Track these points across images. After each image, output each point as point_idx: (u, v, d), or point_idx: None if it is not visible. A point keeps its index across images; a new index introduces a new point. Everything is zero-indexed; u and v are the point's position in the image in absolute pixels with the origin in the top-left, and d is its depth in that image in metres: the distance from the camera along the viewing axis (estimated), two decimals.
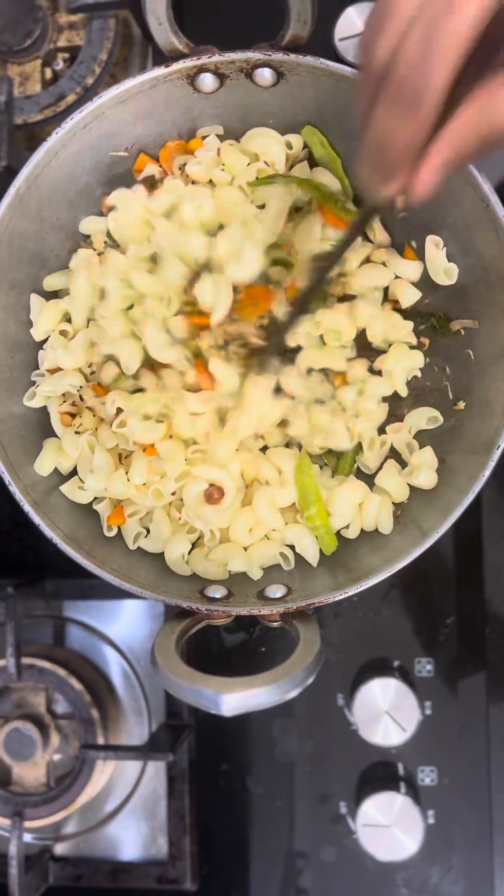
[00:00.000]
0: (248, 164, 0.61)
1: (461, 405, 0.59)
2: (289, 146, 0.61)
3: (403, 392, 0.61)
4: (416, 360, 0.60)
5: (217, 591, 0.58)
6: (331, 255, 0.54)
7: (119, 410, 0.58)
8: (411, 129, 0.39)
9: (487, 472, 0.54)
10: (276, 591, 0.58)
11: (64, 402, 0.61)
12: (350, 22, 0.72)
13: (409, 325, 0.61)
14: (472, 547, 0.72)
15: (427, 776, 0.72)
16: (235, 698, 0.47)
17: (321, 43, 0.72)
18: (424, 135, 0.39)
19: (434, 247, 0.59)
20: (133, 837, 0.75)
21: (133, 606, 0.75)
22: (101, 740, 0.71)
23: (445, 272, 0.59)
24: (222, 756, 0.74)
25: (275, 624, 0.56)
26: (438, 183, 0.41)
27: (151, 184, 0.62)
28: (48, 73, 0.75)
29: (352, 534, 0.60)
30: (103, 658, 0.75)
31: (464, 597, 0.72)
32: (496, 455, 0.54)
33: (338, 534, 0.60)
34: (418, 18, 0.36)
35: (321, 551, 0.60)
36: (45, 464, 0.60)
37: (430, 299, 0.61)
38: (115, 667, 0.75)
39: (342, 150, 0.61)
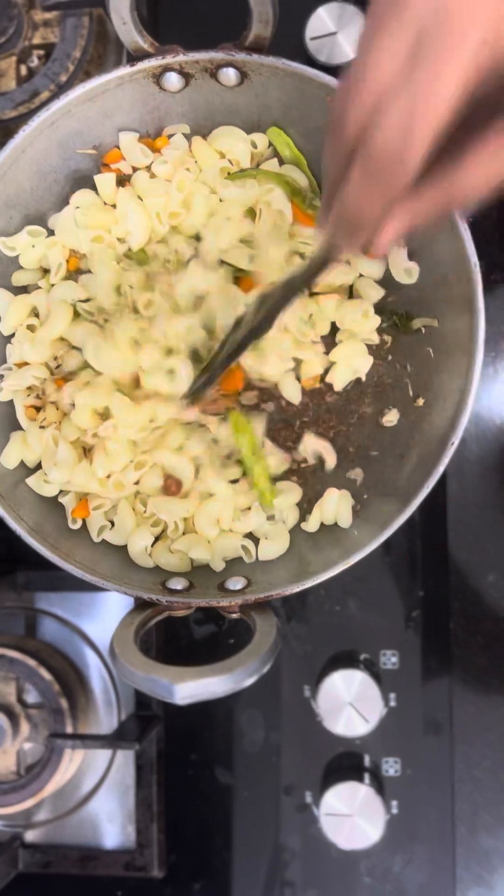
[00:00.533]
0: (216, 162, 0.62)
1: (420, 402, 0.60)
2: (254, 145, 0.62)
3: (338, 387, 0.62)
4: (363, 363, 0.61)
5: (178, 583, 0.59)
6: (284, 293, 0.52)
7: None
8: (383, 202, 0.39)
9: (443, 467, 0.55)
10: (236, 583, 0.59)
11: (29, 395, 0.62)
12: (321, 22, 0.72)
13: (376, 321, 0.62)
14: (438, 541, 0.73)
15: (391, 767, 0.73)
16: (188, 687, 0.48)
17: (292, 43, 0.72)
18: (394, 206, 0.40)
19: (395, 247, 0.60)
20: (103, 824, 0.76)
21: (105, 599, 0.76)
22: (70, 730, 0.72)
23: (406, 271, 0.60)
24: (191, 746, 0.75)
25: (234, 615, 0.57)
26: (396, 243, 0.41)
27: (120, 180, 0.63)
28: (23, 70, 0.76)
29: (311, 528, 0.61)
30: (74, 649, 0.76)
31: (429, 591, 0.73)
32: (451, 450, 0.55)
33: (297, 528, 0.61)
34: (396, 95, 0.36)
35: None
36: (10, 457, 0.61)
37: (392, 298, 0.62)
38: (85, 658, 0.76)
39: (307, 149, 0.62)
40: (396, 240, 0.42)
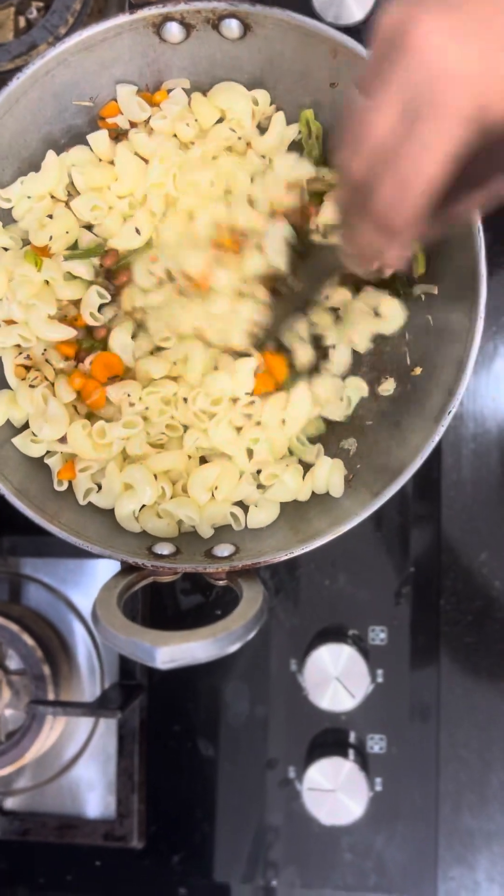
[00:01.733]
0: (218, 121, 0.61)
1: (418, 370, 0.59)
2: (255, 102, 0.60)
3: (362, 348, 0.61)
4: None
5: (165, 549, 0.58)
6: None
7: None
8: (385, 245, 0.44)
9: (438, 436, 0.54)
10: (223, 549, 0.58)
11: (19, 354, 0.60)
12: None
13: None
14: (430, 517, 0.72)
15: (376, 744, 0.72)
16: (171, 651, 0.47)
17: (298, 2, 0.70)
18: (397, 246, 0.44)
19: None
20: (83, 794, 0.75)
21: (92, 566, 0.75)
22: (52, 697, 0.71)
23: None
24: (174, 717, 0.74)
25: (220, 582, 0.56)
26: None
27: (116, 135, 0.61)
28: (21, 22, 0.74)
29: (303, 497, 0.59)
30: (59, 616, 0.75)
31: (420, 567, 0.72)
32: (448, 419, 0.54)
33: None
34: (391, 160, 0.39)
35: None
36: None
37: None
38: (70, 626, 0.75)
39: (310, 105, 0.60)
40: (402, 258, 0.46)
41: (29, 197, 0.59)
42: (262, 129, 0.62)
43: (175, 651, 0.47)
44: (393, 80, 0.38)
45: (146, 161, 0.60)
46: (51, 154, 0.60)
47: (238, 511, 0.60)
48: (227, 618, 0.49)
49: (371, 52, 0.39)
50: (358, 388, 0.61)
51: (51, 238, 0.58)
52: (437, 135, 0.37)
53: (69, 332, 0.58)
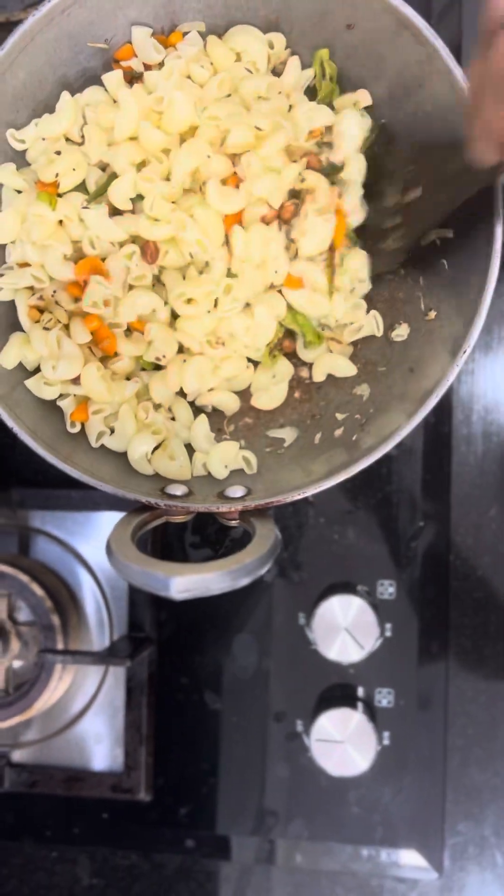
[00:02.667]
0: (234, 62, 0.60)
1: (432, 315, 0.59)
2: (270, 46, 0.60)
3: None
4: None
5: (178, 490, 0.58)
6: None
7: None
8: None
9: (453, 376, 0.53)
10: (236, 491, 0.57)
11: (32, 295, 0.60)
12: None
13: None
14: (440, 472, 0.72)
15: (384, 698, 0.72)
16: (185, 581, 0.47)
17: None
18: None
19: None
20: (91, 747, 0.75)
21: (100, 518, 0.75)
22: (60, 647, 0.72)
23: None
24: (181, 670, 0.75)
25: (233, 523, 0.56)
26: None
27: (131, 78, 0.61)
28: None
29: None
30: (69, 569, 0.75)
31: (429, 521, 0.72)
32: (462, 359, 0.53)
33: (300, 439, 0.60)
34: None
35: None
36: (9, 357, 0.59)
37: None
38: (79, 577, 0.75)
39: (328, 45, 0.60)
40: None
41: (44, 139, 0.59)
42: (277, 73, 0.61)
43: (189, 581, 0.47)
44: None
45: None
46: (65, 95, 0.59)
47: (250, 455, 0.60)
48: (241, 552, 0.49)
49: None
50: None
51: (57, 175, 0.58)
52: None
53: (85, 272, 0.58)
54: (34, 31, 0.57)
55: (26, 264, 0.60)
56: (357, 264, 0.60)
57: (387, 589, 0.72)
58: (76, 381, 0.59)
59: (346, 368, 0.62)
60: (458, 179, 0.52)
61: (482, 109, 0.44)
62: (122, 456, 0.60)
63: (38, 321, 0.60)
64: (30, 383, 0.60)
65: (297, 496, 0.55)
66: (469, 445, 0.72)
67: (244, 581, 0.48)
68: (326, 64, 0.59)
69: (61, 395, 0.60)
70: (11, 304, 0.61)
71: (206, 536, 0.75)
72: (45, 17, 0.57)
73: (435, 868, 0.71)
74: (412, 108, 0.58)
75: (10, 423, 0.56)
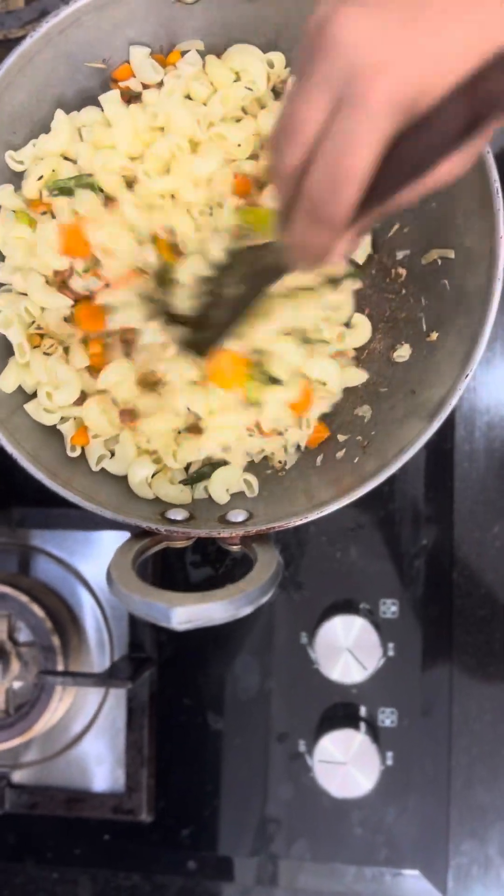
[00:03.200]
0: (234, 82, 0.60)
1: (434, 336, 0.58)
2: (270, 65, 0.60)
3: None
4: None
5: (178, 514, 0.57)
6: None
7: None
8: (325, 239, 0.41)
9: (455, 400, 0.53)
10: (237, 515, 0.57)
11: (32, 323, 0.59)
12: None
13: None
14: (443, 490, 0.72)
15: (388, 717, 0.72)
16: (186, 612, 0.46)
17: None
18: (335, 240, 0.42)
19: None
20: (92, 768, 0.75)
21: (100, 538, 0.75)
22: (61, 668, 0.71)
23: None
24: (183, 690, 0.74)
25: (234, 548, 0.55)
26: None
27: (129, 98, 0.60)
28: None
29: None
30: (69, 588, 0.75)
31: (432, 540, 0.72)
32: (465, 383, 0.53)
33: (302, 462, 0.60)
34: (321, 149, 0.38)
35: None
36: (8, 381, 0.59)
37: (408, 228, 0.60)
38: (80, 597, 0.75)
39: None
40: (347, 252, 0.44)
41: (41, 159, 0.59)
42: (277, 93, 0.61)
43: (191, 612, 0.46)
44: (318, 71, 0.37)
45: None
46: (59, 113, 0.59)
47: (251, 477, 0.59)
48: (243, 580, 0.49)
49: (301, 45, 0.39)
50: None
51: (40, 178, 0.57)
52: (362, 125, 0.36)
53: (66, 302, 0.57)
54: (32, 52, 0.56)
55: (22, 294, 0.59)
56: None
57: (389, 608, 0.72)
58: (77, 402, 0.58)
59: (357, 376, 0.61)
60: (268, 272, 0.50)
61: (294, 226, 0.42)
62: (123, 479, 0.60)
63: (37, 346, 0.59)
64: (29, 408, 0.59)
65: (299, 521, 0.54)
66: (472, 462, 0.72)
67: (246, 610, 0.48)
68: None
69: (62, 419, 0.60)
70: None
71: (206, 555, 0.74)
72: (43, 37, 0.56)
73: (439, 889, 0.71)
74: None
75: (9, 448, 0.55)
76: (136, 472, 0.59)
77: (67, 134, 0.59)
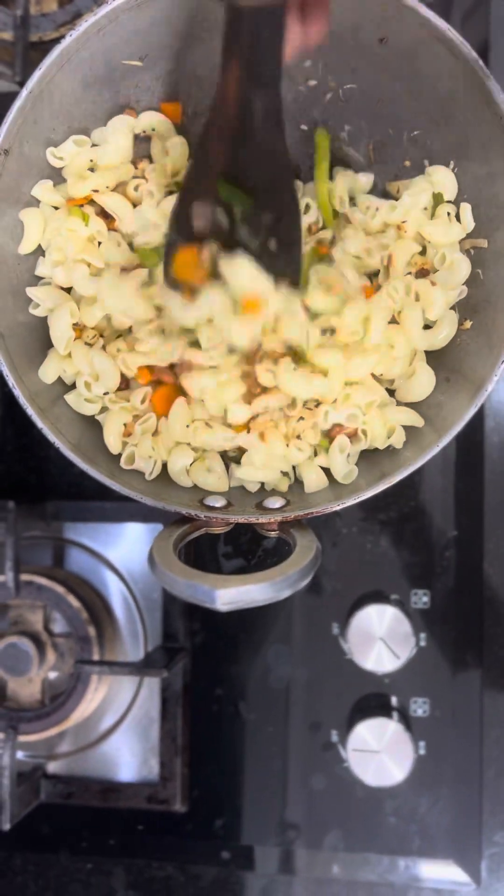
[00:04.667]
0: None
1: (467, 324, 0.59)
2: None
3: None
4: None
5: (217, 501, 0.58)
6: None
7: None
8: None
9: (490, 388, 0.54)
10: (274, 502, 0.58)
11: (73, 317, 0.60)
12: None
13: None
14: (473, 480, 0.72)
15: (420, 707, 0.72)
16: (230, 593, 0.47)
17: None
18: None
19: None
20: (125, 758, 0.76)
21: (133, 530, 0.76)
22: (97, 658, 0.72)
23: None
24: (216, 680, 0.75)
25: (272, 533, 0.56)
26: None
27: None
28: None
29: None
30: (102, 580, 0.76)
31: (463, 531, 0.72)
32: (500, 369, 0.54)
33: None
34: None
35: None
36: (49, 371, 0.60)
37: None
38: (113, 589, 0.76)
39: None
40: None
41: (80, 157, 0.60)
42: None
43: (234, 593, 0.47)
44: None
45: None
46: (120, 119, 0.61)
47: (288, 468, 0.60)
48: (283, 563, 0.50)
49: None
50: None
51: (94, 191, 0.59)
52: None
53: (145, 309, 0.58)
54: (70, 51, 0.57)
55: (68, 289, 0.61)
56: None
57: (420, 598, 0.72)
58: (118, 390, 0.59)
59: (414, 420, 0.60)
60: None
61: None
62: (161, 468, 0.61)
63: (79, 337, 0.60)
64: (69, 398, 0.60)
65: (337, 507, 0.55)
66: (502, 453, 0.72)
67: (287, 592, 0.49)
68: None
69: (102, 409, 0.61)
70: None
71: (238, 546, 0.75)
72: (82, 36, 0.57)
73: (473, 879, 0.71)
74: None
75: (52, 437, 0.56)
76: (175, 461, 0.59)
77: (126, 142, 0.60)
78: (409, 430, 0.59)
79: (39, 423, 0.56)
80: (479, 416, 0.72)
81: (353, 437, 0.59)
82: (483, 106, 0.55)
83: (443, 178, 0.59)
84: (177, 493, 0.59)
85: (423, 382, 0.59)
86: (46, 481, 0.77)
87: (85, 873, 0.77)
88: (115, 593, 0.76)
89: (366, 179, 0.62)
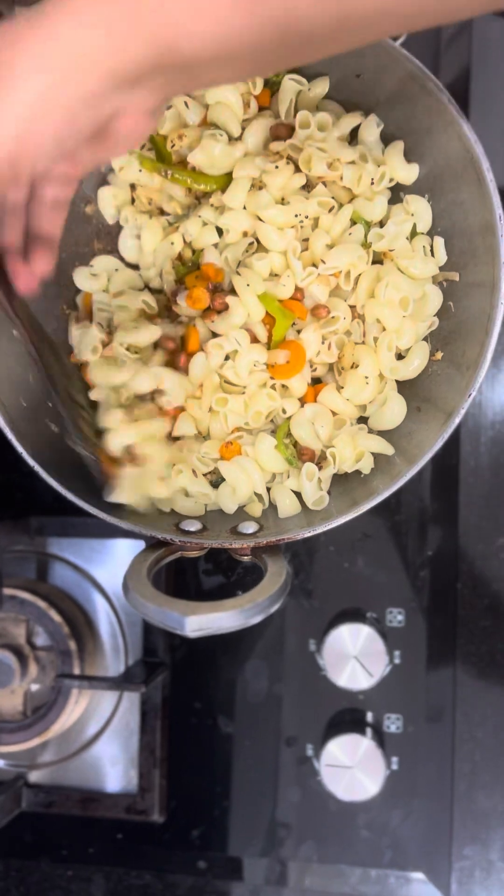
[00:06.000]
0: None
1: (439, 355, 0.60)
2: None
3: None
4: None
5: (192, 525, 0.60)
6: None
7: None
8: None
9: (458, 418, 0.55)
10: (248, 527, 0.59)
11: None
12: None
13: None
14: (448, 503, 0.74)
15: (393, 724, 0.74)
16: (199, 620, 0.48)
17: None
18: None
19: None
20: (106, 768, 0.77)
21: (115, 545, 0.77)
22: (77, 672, 0.73)
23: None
24: (195, 694, 0.76)
25: (245, 558, 0.57)
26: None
27: None
28: None
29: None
30: (85, 594, 0.77)
31: (438, 550, 0.74)
32: (468, 402, 0.55)
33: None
34: None
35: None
36: None
37: None
38: (95, 604, 0.77)
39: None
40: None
41: None
42: None
43: (203, 620, 0.49)
44: None
45: None
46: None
47: (263, 491, 0.62)
48: (253, 590, 0.51)
49: None
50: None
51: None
52: None
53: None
54: None
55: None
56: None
57: (396, 616, 0.74)
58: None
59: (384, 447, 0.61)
60: None
61: None
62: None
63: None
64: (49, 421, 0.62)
65: (308, 534, 0.56)
66: (476, 477, 0.74)
67: (257, 619, 0.50)
68: None
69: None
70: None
71: (219, 563, 0.77)
72: None
73: (442, 891, 0.73)
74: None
75: (31, 461, 0.58)
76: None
77: None
78: (380, 458, 0.60)
79: (19, 448, 0.58)
80: (454, 441, 0.74)
81: (323, 462, 0.61)
82: (456, 141, 0.56)
83: (419, 209, 0.60)
84: (153, 517, 0.60)
85: (394, 411, 0.60)
86: (31, 497, 0.79)
87: (65, 880, 0.78)
88: (98, 608, 0.77)
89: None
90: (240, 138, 0.61)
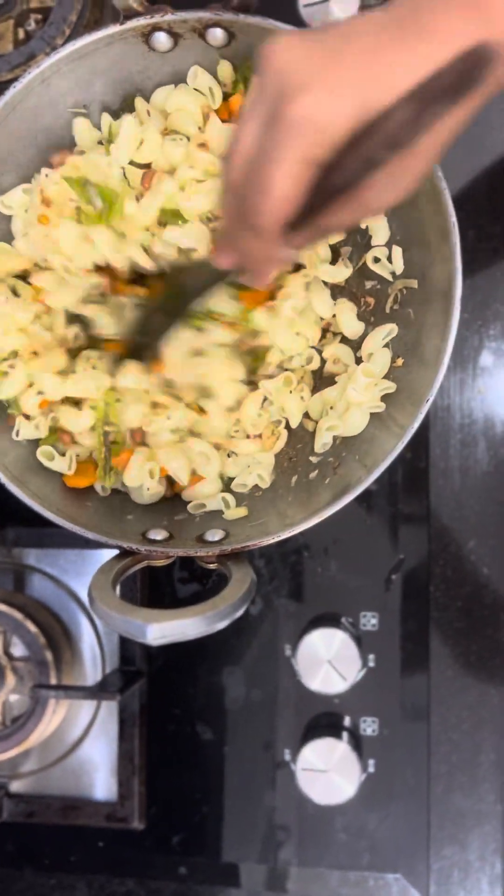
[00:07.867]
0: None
1: (399, 362, 0.61)
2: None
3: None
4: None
5: (158, 534, 0.60)
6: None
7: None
8: (259, 246, 0.46)
9: (416, 424, 0.56)
10: (214, 534, 0.60)
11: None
12: None
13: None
14: (419, 506, 0.74)
15: (369, 726, 0.74)
16: (161, 628, 0.49)
17: (285, 9, 0.73)
18: (272, 250, 0.46)
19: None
20: (86, 777, 0.78)
21: (92, 556, 0.78)
22: (54, 682, 0.74)
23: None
24: (173, 701, 0.77)
25: (212, 566, 0.58)
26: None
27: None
28: (21, 34, 0.77)
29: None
30: (61, 605, 0.78)
31: (410, 554, 0.75)
32: (426, 407, 0.56)
33: (277, 483, 0.63)
34: (253, 168, 0.42)
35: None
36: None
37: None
38: (72, 613, 0.78)
39: None
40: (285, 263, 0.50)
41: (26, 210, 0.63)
42: None
43: (165, 628, 0.49)
44: (255, 93, 0.42)
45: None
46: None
47: (229, 496, 0.62)
48: (216, 597, 0.52)
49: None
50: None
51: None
52: (282, 138, 0.40)
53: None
54: (16, 101, 0.60)
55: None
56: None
57: (370, 620, 0.75)
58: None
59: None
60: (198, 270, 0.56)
61: (234, 234, 0.47)
62: (106, 500, 0.63)
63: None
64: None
65: (272, 540, 0.57)
66: (446, 479, 0.75)
67: (220, 625, 0.51)
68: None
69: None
70: None
71: (193, 571, 0.77)
72: (26, 87, 0.60)
73: (421, 892, 0.73)
74: None
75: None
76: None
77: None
78: (342, 465, 0.61)
79: None
80: (424, 444, 0.74)
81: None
82: None
83: (375, 223, 0.61)
84: (120, 526, 0.61)
85: (356, 417, 0.61)
86: (6, 508, 0.79)
87: (48, 889, 0.79)
88: (75, 618, 0.78)
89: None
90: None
